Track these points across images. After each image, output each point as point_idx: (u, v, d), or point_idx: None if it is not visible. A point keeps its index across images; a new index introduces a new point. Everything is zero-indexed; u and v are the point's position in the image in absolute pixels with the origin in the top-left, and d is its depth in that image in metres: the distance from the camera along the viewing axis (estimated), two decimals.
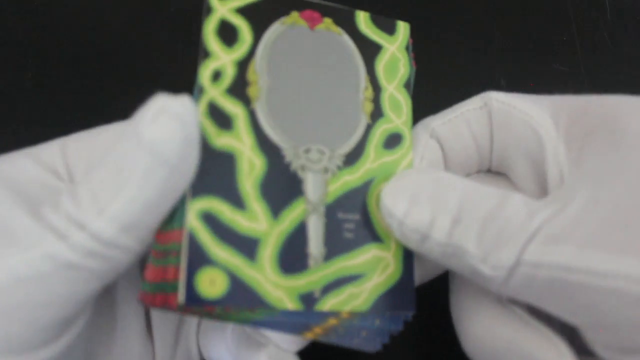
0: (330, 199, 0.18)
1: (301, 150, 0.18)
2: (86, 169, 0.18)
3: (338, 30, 0.20)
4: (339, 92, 0.19)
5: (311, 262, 0.17)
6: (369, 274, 0.18)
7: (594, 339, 0.16)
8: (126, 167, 0.15)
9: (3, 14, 0.29)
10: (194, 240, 0.16)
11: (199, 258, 0.16)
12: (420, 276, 0.20)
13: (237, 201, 0.17)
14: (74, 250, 0.15)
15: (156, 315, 0.20)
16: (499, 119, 0.20)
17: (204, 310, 0.16)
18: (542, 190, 0.19)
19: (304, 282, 0.17)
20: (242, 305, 0.16)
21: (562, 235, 0.15)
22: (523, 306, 0.18)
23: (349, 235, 0.18)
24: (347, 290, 0.18)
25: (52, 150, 0.18)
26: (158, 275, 0.17)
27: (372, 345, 0.19)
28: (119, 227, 0.15)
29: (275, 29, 0.19)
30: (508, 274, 0.16)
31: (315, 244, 0.18)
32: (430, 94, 0.29)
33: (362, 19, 0.20)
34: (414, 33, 0.21)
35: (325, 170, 0.18)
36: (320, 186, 0.18)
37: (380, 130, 0.20)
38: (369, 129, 0.19)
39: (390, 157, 0.20)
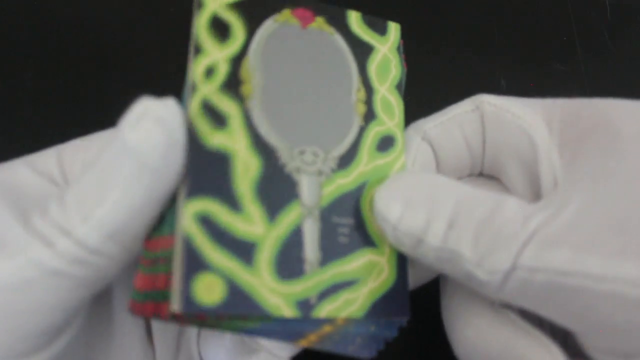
0: (324, 202, 0.18)
1: (296, 151, 0.18)
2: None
3: (330, 29, 0.20)
4: (332, 93, 0.19)
5: (307, 267, 0.17)
6: (364, 279, 0.18)
7: (590, 343, 0.16)
8: (111, 172, 0.15)
9: (3, 14, 0.29)
10: (190, 244, 0.15)
11: (195, 263, 0.15)
12: (413, 280, 0.20)
13: (233, 203, 0.16)
14: (60, 257, 0.14)
15: (157, 321, 0.20)
16: (491, 122, 0.20)
17: (197, 319, 0.16)
18: (535, 193, 0.19)
19: (300, 288, 0.17)
20: (240, 312, 0.15)
21: (558, 239, 0.15)
22: (515, 310, 0.17)
23: (343, 239, 0.18)
24: (343, 296, 0.17)
25: (48, 157, 0.18)
26: (148, 284, 0.16)
27: (367, 352, 0.18)
28: (104, 234, 0.15)
29: (267, 26, 0.18)
30: (504, 279, 0.15)
31: (311, 248, 0.17)
32: (431, 94, 0.29)
33: (354, 19, 0.20)
34: (414, 33, 0.21)
35: (320, 172, 0.18)
36: (315, 189, 0.18)
37: (373, 133, 0.19)
38: (361, 131, 0.19)
39: (383, 159, 0.19)
